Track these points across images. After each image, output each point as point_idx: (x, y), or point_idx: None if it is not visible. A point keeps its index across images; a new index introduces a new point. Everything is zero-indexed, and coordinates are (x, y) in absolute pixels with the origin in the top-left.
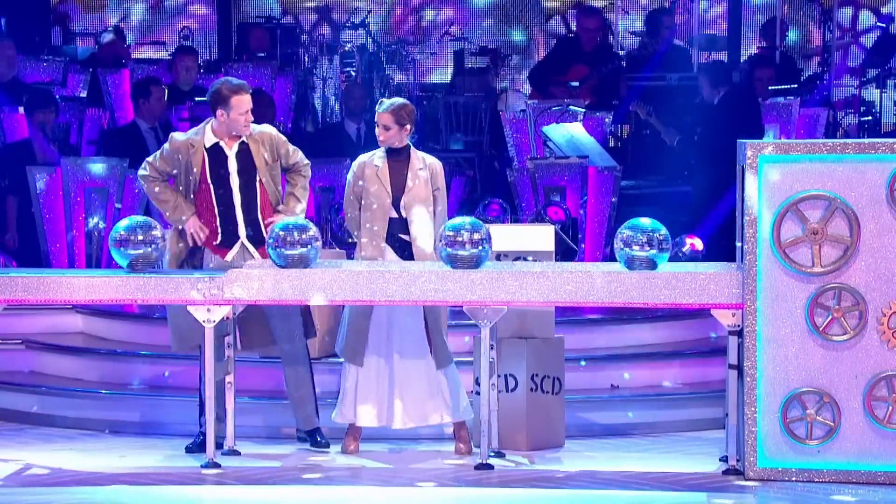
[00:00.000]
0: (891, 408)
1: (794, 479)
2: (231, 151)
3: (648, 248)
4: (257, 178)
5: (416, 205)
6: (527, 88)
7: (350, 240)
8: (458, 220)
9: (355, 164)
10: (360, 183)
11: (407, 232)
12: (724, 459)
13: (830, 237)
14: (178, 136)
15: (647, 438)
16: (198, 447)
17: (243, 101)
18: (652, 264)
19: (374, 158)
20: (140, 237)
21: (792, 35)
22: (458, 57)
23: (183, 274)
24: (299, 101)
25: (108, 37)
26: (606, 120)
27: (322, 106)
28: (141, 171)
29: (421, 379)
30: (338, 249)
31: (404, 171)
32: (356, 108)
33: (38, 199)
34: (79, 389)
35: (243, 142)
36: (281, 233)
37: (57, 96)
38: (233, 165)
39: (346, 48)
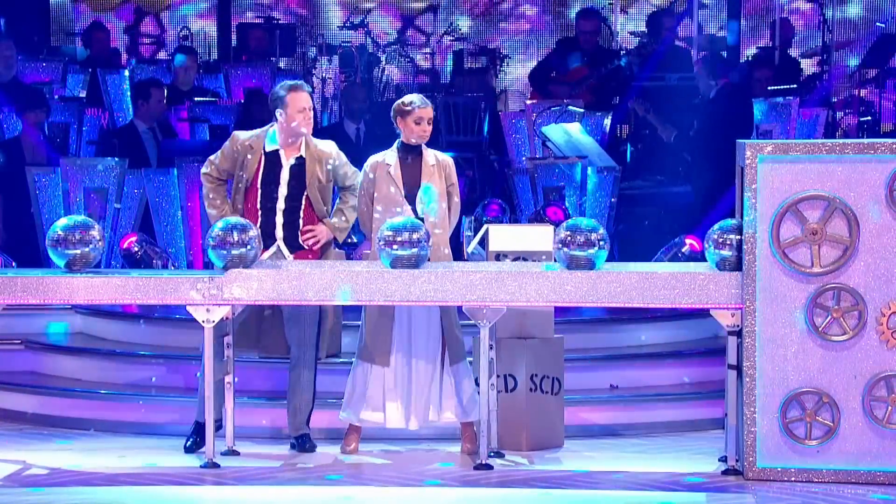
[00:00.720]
0: (890, 408)
1: (793, 479)
2: (287, 162)
3: (587, 248)
4: (304, 193)
5: (431, 202)
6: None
7: (349, 240)
8: (398, 219)
9: (367, 165)
10: (373, 182)
11: None
12: (724, 459)
13: (829, 237)
14: (240, 134)
15: (647, 438)
16: (196, 445)
17: (298, 98)
18: (591, 264)
19: (386, 158)
20: (78, 237)
21: (791, 35)
22: (458, 57)
23: (182, 274)
24: None
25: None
26: (605, 121)
27: (321, 106)
28: (203, 170)
29: (436, 378)
30: (337, 250)
31: (417, 169)
32: (356, 108)
33: (38, 200)
34: (78, 389)
35: (301, 156)
36: (220, 233)
37: (56, 96)
38: (284, 176)
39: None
